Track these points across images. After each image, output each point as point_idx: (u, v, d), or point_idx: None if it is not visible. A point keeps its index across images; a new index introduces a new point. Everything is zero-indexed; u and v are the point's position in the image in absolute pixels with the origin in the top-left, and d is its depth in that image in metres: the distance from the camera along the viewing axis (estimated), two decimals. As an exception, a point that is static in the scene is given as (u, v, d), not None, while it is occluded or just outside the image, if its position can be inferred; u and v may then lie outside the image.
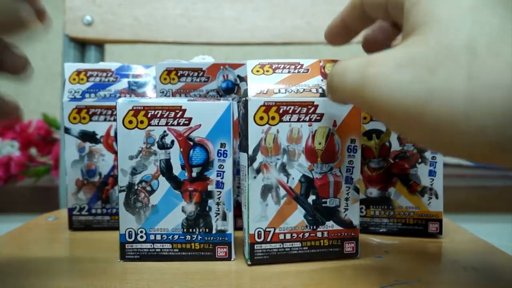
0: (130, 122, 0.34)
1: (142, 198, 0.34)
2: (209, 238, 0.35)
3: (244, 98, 0.34)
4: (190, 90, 0.43)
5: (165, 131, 0.34)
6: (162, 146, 0.34)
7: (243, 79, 0.43)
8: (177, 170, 0.35)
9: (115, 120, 0.44)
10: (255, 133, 0.33)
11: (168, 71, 0.43)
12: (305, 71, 0.35)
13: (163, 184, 0.35)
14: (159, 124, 0.34)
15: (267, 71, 0.34)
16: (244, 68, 0.43)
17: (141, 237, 0.35)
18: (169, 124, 0.34)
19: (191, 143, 0.34)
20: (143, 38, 0.66)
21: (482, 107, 0.20)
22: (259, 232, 0.34)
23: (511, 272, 0.34)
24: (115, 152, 0.44)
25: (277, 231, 0.34)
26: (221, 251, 0.35)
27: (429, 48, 0.22)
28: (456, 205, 0.89)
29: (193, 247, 0.35)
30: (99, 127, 0.44)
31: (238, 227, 0.44)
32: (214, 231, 0.35)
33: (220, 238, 0.35)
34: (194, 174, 0.35)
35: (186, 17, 0.67)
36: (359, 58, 0.25)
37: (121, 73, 0.45)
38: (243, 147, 0.35)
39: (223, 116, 0.34)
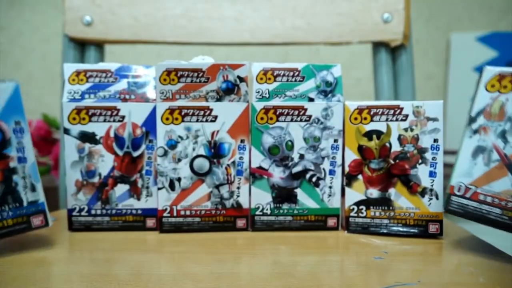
0: None
1: None
2: (21, 211, 0.36)
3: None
4: (190, 90, 0.43)
5: None
6: None
7: (243, 79, 0.43)
8: None
9: (114, 121, 0.44)
10: (483, 98, 0.35)
11: (168, 72, 0.43)
12: None
13: None
14: None
15: None
16: (244, 68, 0.43)
17: None
18: None
19: None
20: (143, 38, 0.66)
21: None
22: (460, 186, 0.36)
23: (511, 272, 0.34)
24: (115, 153, 0.44)
25: (478, 190, 0.35)
26: (36, 220, 0.37)
27: None
28: (456, 205, 0.89)
29: (5, 224, 0.36)
30: (99, 128, 0.44)
31: (238, 228, 0.45)
32: (25, 204, 0.37)
33: (33, 209, 0.37)
34: None
35: (186, 17, 0.67)
36: None
37: (120, 73, 0.45)
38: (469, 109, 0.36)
39: (12, 96, 0.36)
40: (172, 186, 0.43)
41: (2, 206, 0.36)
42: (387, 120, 0.42)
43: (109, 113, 0.43)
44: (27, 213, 0.37)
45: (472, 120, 0.36)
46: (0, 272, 0.33)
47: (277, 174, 0.44)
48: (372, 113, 0.43)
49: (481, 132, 0.35)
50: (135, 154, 0.44)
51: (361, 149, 0.43)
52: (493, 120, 0.35)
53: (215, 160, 0.43)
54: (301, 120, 0.43)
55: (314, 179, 0.44)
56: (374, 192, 0.43)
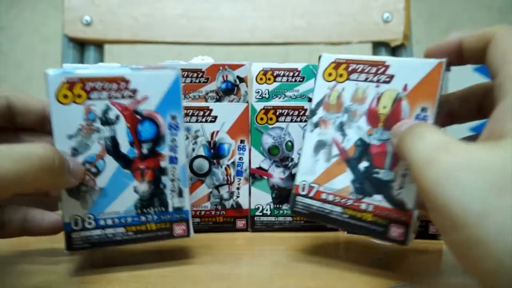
0: (65, 96, 0.31)
1: (87, 181, 0.32)
2: (165, 217, 0.33)
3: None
4: (190, 90, 0.43)
5: (107, 105, 0.32)
6: (106, 122, 0.32)
7: (242, 80, 0.43)
8: (125, 147, 0.32)
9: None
10: (321, 88, 0.34)
11: (168, 72, 0.43)
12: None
13: (110, 164, 0.32)
14: (100, 97, 0.31)
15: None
16: (244, 69, 0.43)
17: (89, 223, 0.32)
18: (112, 97, 0.32)
19: (139, 117, 0.32)
20: (142, 38, 0.66)
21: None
22: (304, 185, 0.34)
23: None
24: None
25: (320, 189, 0.34)
26: (179, 229, 0.34)
27: (504, 164, 0.21)
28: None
29: (149, 228, 0.33)
30: (98, 128, 0.43)
31: (237, 228, 0.44)
32: (170, 209, 0.33)
33: (178, 216, 0.34)
34: (144, 151, 0.33)
35: (186, 17, 0.67)
36: (440, 136, 0.25)
37: (120, 73, 0.45)
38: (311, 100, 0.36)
39: (172, 86, 0.32)
40: (171, 187, 0.43)
41: (148, 208, 0.33)
42: (387, 120, 0.42)
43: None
44: (171, 219, 0.33)
45: (312, 112, 0.34)
46: (-1, 273, 0.33)
47: (277, 175, 0.44)
48: (372, 113, 0.43)
49: (321, 125, 0.34)
50: (135, 154, 0.44)
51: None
52: (331, 112, 0.34)
53: (214, 161, 0.43)
54: (301, 121, 0.43)
55: (314, 180, 0.44)
56: (374, 193, 0.43)
